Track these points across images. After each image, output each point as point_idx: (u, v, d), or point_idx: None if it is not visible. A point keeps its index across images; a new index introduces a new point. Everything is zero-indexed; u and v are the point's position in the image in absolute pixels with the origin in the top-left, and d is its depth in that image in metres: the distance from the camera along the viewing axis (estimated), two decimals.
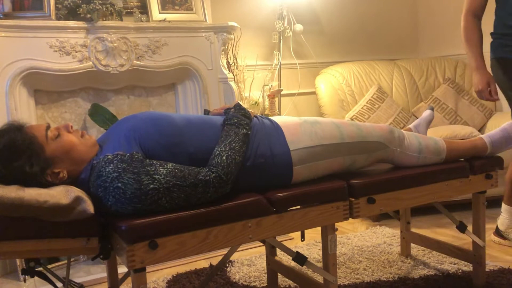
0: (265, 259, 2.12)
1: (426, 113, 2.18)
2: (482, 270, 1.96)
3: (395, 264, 2.24)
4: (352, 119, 3.12)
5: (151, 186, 1.25)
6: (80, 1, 2.47)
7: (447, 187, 1.79)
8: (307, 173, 1.56)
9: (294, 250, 1.57)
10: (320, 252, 2.42)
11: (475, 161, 1.86)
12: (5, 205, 1.16)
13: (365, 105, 3.21)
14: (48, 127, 1.36)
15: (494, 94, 2.10)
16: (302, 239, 2.00)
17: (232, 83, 2.83)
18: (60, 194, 1.22)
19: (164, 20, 2.71)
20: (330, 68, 3.41)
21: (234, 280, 2.16)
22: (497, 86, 2.13)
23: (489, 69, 2.14)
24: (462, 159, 1.89)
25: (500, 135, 1.88)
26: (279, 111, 3.28)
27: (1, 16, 2.33)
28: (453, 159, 1.85)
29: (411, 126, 2.15)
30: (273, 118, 1.67)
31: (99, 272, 2.32)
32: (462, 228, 1.95)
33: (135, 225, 1.22)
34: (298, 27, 3.33)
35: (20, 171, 1.27)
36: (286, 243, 2.56)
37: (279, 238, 2.43)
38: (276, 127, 1.56)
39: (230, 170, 1.34)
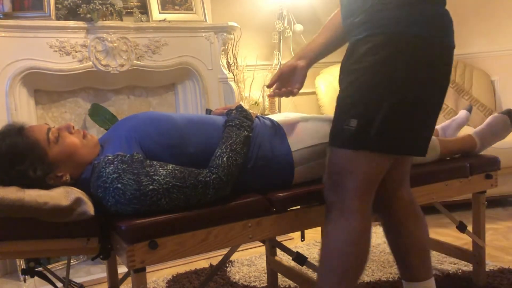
0: (265, 259, 2.12)
1: (462, 114, 2.05)
2: (482, 270, 1.96)
3: (395, 264, 2.23)
4: None
5: (151, 187, 1.25)
6: (80, 1, 2.46)
7: (447, 187, 1.79)
8: (308, 174, 1.54)
9: (294, 250, 1.57)
10: None
11: (474, 161, 1.86)
12: (5, 206, 1.15)
13: None
14: (49, 130, 1.34)
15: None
16: (302, 239, 2.00)
17: (232, 83, 2.83)
18: (60, 196, 1.22)
19: (164, 20, 2.71)
20: (330, 68, 3.41)
21: (234, 280, 2.16)
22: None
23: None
24: (458, 155, 1.90)
25: (487, 130, 1.89)
26: (279, 111, 3.28)
27: (1, 16, 2.33)
28: (447, 154, 1.85)
29: (438, 127, 2.02)
30: (274, 116, 1.64)
31: (99, 272, 2.32)
32: (462, 228, 1.95)
33: (135, 225, 1.22)
34: (298, 27, 3.33)
35: (22, 175, 1.27)
36: (286, 243, 2.55)
37: (279, 238, 2.43)
38: (277, 127, 1.54)
39: (231, 171, 1.33)
